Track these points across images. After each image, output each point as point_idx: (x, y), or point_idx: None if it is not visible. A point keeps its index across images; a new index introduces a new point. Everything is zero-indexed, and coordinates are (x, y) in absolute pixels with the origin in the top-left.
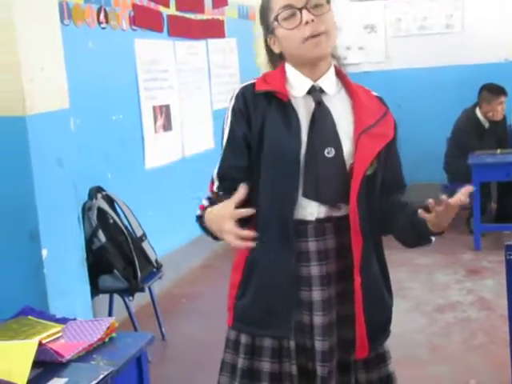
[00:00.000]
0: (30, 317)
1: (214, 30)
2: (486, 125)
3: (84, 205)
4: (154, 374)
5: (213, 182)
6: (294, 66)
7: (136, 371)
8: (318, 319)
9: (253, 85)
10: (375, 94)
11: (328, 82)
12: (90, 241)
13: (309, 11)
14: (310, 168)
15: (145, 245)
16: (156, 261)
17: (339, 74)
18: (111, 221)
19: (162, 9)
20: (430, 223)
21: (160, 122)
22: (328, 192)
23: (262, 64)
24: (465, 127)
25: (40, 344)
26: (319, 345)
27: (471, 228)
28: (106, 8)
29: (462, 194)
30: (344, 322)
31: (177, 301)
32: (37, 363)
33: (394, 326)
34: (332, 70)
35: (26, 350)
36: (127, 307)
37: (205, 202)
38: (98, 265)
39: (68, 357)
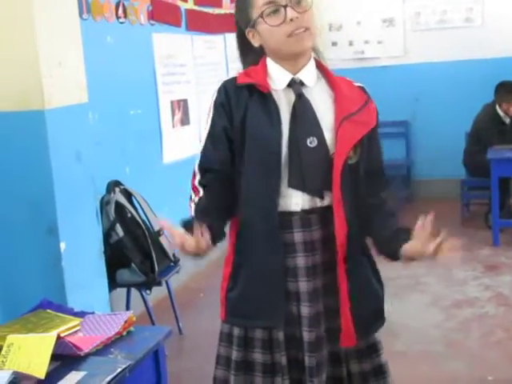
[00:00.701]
0: (48, 310)
1: (231, 24)
2: (507, 120)
3: (102, 199)
4: (170, 368)
5: (194, 176)
6: (274, 60)
7: (153, 365)
8: (305, 310)
9: (235, 79)
10: (357, 84)
11: (308, 74)
12: (107, 235)
13: (292, 8)
14: (293, 158)
15: (162, 239)
16: (173, 255)
17: (320, 67)
18: (129, 215)
19: (180, 3)
20: (411, 251)
21: (178, 116)
22: (313, 181)
23: None
24: (485, 123)
25: (58, 337)
26: (306, 335)
27: (489, 223)
28: (124, 2)
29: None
30: (332, 313)
31: (194, 295)
32: (55, 356)
33: (412, 321)
34: (312, 63)
35: (45, 343)
36: (144, 301)
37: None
38: (115, 259)
39: (86, 350)
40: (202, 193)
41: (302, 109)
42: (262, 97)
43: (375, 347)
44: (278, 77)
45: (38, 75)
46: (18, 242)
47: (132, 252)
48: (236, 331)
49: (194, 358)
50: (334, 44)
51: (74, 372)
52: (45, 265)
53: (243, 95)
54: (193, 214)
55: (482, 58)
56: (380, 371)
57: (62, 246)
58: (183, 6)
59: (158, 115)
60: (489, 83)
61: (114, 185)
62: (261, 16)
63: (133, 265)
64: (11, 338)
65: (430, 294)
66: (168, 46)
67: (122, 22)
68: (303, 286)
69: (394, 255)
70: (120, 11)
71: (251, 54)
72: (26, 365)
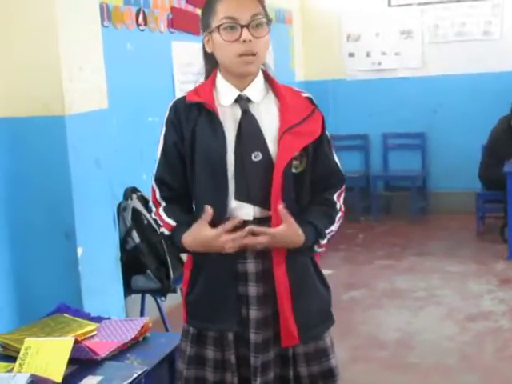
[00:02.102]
0: (65, 314)
1: None
2: None
3: (119, 205)
4: None
5: (154, 191)
6: (223, 73)
7: (169, 371)
8: (253, 313)
9: (185, 97)
10: (305, 94)
11: (254, 90)
12: (124, 241)
13: (249, 31)
14: (239, 172)
15: None
16: None
17: (268, 79)
18: (145, 221)
19: (199, 12)
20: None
21: None
22: (258, 194)
23: (296, 66)
24: (501, 136)
25: (76, 342)
26: (253, 337)
27: (505, 237)
28: (144, 10)
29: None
30: (278, 316)
31: None
32: (72, 360)
33: (426, 333)
34: (260, 77)
35: (63, 347)
36: (159, 308)
37: (169, 221)
38: (131, 265)
39: (102, 355)
40: (164, 204)
41: (247, 124)
42: (209, 114)
43: (325, 352)
44: (225, 93)
45: (59, 81)
46: (35, 246)
47: (148, 258)
48: (191, 329)
49: None
50: (352, 55)
51: (90, 376)
52: (62, 269)
53: (193, 113)
54: (164, 217)
55: (499, 71)
56: (330, 374)
57: (79, 251)
58: None
59: None
60: (506, 96)
61: (131, 191)
62: (217, 28)
63: (148, 271)
64: (29, 341)
65: (444, 306)
66: (187, 54)
67: (142, 30)
68: (252, 290)
69: None
70: (140, 19)
71: (211, 61)
72: (44, 368)
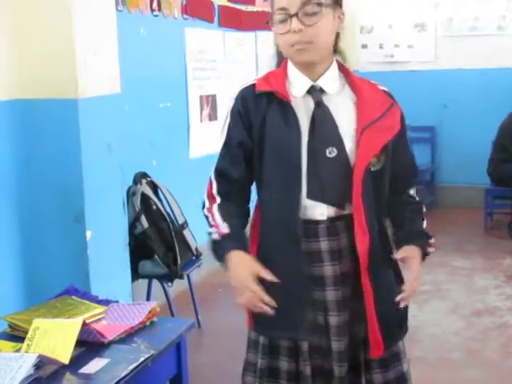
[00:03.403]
0: (73, 297)
1: (263, 22)
2: None
3: (128, 190)
4: (188, 361)
5: (211, 184)
6: (293, 64)
7: (175, 356)
8: (334, 319)
9: (253, 85)
10: (382, 87)
11: (328, 81)
12: (132, 225)
13: (299, 19)
14: (312, 169)
15: (186, 232)
16: (196, 249)
17: (343, 70)
18: (154, 207)
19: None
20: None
21: (206, 111)
22: (332, 193)
23: None
24: (510, 132)
25: (84, 324)
26: (335, 345)
27: None
28: None
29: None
30: (356, 321)
31: (214, 290)
32: (79, 342)
33: (431, 327)
34: (334, 68)
35: (71, 329)
36: (166, 293)
37: (222, 227)
38: (139, 250)
39: (110, 338)
40: (219, 200)
41: (321, 117)
42: (281, 104)
43: (398, 356)
44: (297, 83)
45: (74, 65)
46: (45, 229)
47: (156, 244)
48: (262, 339)
49: (212, 352)
50: (364, 46)
51: (97, 359)
52: (71, 252)
53: (262, 102)
54: (218, 218)
55: None
56: (402, 379)
57: (88, 234)
58: (216, 2)
59: (186, 109)
60: None
61: (140, 176)
62: (273, 20)
63: (156, 257)
64: (37, 321)
65: (450, 301)
66: (200, 41)
67: (155, 15)
68: (331, 295)
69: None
70: (154, 4)
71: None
72: (51, 349)
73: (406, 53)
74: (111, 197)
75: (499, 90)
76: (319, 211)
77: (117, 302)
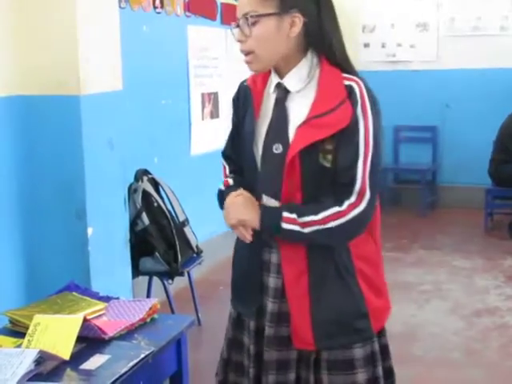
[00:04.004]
0: (74, 293)
1: None
2: None
3: (130, 187)
4: (188, 358)
5: (224, 168)
6: None
7: (175, 353)
8: (269, 305)
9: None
10: (348, 82)
11: (292, 79)
12: (133, 222)
13: (240, 29)
14: (262, 164)
15: (186, 230)
16: (196, 246)
17: (319, 66)
18: (155, 204)
19: None
20: None
21: (208, 109)
22: (274, 187)
23: None
24: (510, 132)
25: (85, 320)
26: (267, 330)
27: None
28: None
29: None
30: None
31: (214, 287)
32: (80, 339)
33: (431, 327)
34: (302, 66)
35: (71, 325)
36: (166, 290)
37: (228, 179)
38: (139, 247)
39: (110, 334)
40: (232, 175)
41: (277, 115)
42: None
43: (351, 363)
44: (272, 80)
45: (76, 61)
46: (46, 225)
47: (156, 241)
48: (233, 312)
49: (211, 348)
50: (367, 45)
51: (98, 355)
52: (71, 248)
53: (248, 95)
54: (228, 177)
55: None
56: None
57: (90, 230)
58: (219, 0)
59: (188, 107)
60: None
61: (142, 173)
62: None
63: (156, 254)
64: (38, 317)
65: (450, 301)
66: (202, 39)
67: (158, 13)
68: (272, 281)
69: None
70: (157, 1)
71: None
72: (52, 345)
73: (408, 52)
74: (113, 193)
75: (501, 90)
76: (273, 203)
77: (117, 298)
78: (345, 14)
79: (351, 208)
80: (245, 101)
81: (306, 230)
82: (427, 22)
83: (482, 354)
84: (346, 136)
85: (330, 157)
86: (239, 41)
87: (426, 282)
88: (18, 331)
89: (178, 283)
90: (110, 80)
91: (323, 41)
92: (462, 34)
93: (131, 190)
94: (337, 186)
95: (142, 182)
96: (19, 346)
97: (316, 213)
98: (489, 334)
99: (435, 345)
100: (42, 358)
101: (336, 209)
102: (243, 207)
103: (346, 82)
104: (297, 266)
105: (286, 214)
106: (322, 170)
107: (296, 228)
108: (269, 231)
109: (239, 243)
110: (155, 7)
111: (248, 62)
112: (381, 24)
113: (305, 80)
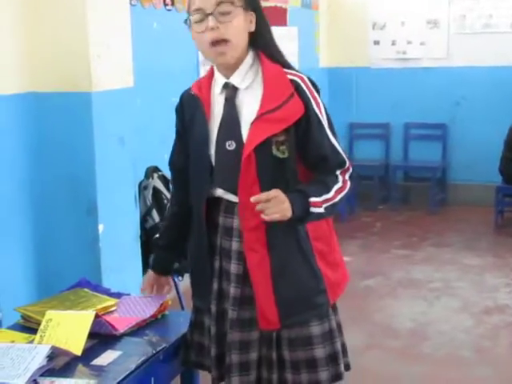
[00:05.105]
0: (85, 289)
1: (276, 17)
2: None
3: (140, 183)
4: None
5: (172, 183)
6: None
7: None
8: (232, 290)
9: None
10: (292, 76)
11: (239, 77)
12: (143, 219)
13: (215, 17)
14: (216, 161)
15: None
16: None
17: (260, 62)
18: (165, 201)
19: None
20: None
21: None
22: (230, 181)
23: (321, 53)
24: None
25: (96, 316)
26: (230, 313)
27: None
28: None
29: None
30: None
31: None
32: (92, 335)
33: (441, 324)
34: (246, 63)
35: (83, 321)
36: (176, 287)
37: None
38: (149, 243)
39: (121, 330)
40: (171, 191)
41: (227, 113)
42: (201, 104)
43: (309, 340)
44: (217, 81)
45: (88, 58)
46: (57, 222)
47: None
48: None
49: None
50: (377, 43)
51: (110, 351)
52: (82, 245)
53: (194, 102)
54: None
55: None
56: (313, 364)
57: (100, 227)
58: None
59: None
60: None
61: (152, 170)
62: (190, 21)
63: None
64: (50, 313)
65: (460, 298)
66: None
67: (169, 10)
68: (234, 268)
69: None
70: None
71: None
72: (64, 341)
73: (418, 49)
74: (123, 190)
75: (511, 88)
76: (232, 196)
77: (128, 294)
78: (355, 12)
79: (344, 175)
80: (189, 109)
81: (323, 208)
82: (438, 20)
83: (491, 352)
84: (305, 124)
85: (283, 148)
86: (212, 28)
87: (435, 280)
88: (30, 327)
89: (188, 280)
90: (121, 77)
91: (262, 38)
92: (473, 32)
93: (142, 187)
94: (319, 165)
95: (153, 178)
96: (31, 341)
97: (328, 191)
98: (498, 332)
99: (444, 343)
100: (54, 353)
101: (338, 184)
102: (282, 202)
103: (290, 77)
104: (258, 251)
105: (313, 199)
106: (277, 161)
107: (320, 210)
108: (299, 219)
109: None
110: (166, 4)
111: (222, 53)
112: (391, 21)
113: (250, 76)
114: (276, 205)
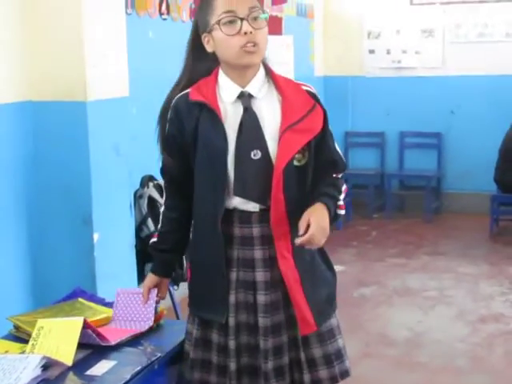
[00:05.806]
0: (80, 299)
1: (271, 26)
2: None
3: (135, 192)
4: None
5: (166, 192)
6: (225, 71)
7: (181, 359)
8: (261, 298)
9: (187, 94)
10: (306, 87)
11: (256, 86)
12: (138, 228)
13: (248, 23)
14: (238, 170)
15: None
16: None
17: (270, 73)
18: (161, 210)
19: None
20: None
21: None
22: (255, 190)
23: (316, 61)
24: None
25: (85, 325)
26: (261, 321)
27: None
28: None
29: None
30: (289, 301)
31: None
32: (86, 345)
33: (436, 333)
34: (260, 72)
35: (73, 327)
36: (171, 296)
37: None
38: (144, 252)
39: (113, 342)
40: (164, 196)
41: (248, 122)
42: (211, 112)
43: (332, 332)
44: (228, 89)
45: (83, 67)
46: (53, 230)
47: None
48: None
49: None
50: (372, 52)
51: (104, 361)
52: (78, 254)
53: (195, 110)
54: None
55: None
56: (339, 355)
57: (96, 236)
58: None
59: None
60: None
61: (148, 179)
62: (218, 23)
63: None
64: (42, 321)
65: (455, 307)
66: None
67: (164, 19)
68: (260, 276)
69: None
70: (163, 7)
71: (205, 62)
72: (55, 348)
73: (413, 59)
74: (119, 199)
75: (507, 96)
76: (252, 205)
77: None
78: (350, 21)
79: (340, 176)
80: (190, 118)
81: (343, 210)
82: (433, 29)
83: (486, 361)
84: (323, 136)
85: (299, 156)
86: (245, 33)
87: (430, 288)
88: (21, 337)
89: (184, 289)
90: (116, 86)
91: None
92: (468, 41)
93: (137, 196)
94: (329, 169)
95: (148, 187)
96: (24, 352)
97: (340, 192)
98: (494, 341)
99: (440, 351)
100: (48, 363)
101: (344, 186)
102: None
103: (304, 88)
104: (287, 257)
105: (341, 203)
106: (295, 169)
107: (343, 212)
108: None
109: (196, 251)
110: (161, 13)
111: (253, 53)
112: (386, 30)
113: (264, 86)
114: (320, 232)
